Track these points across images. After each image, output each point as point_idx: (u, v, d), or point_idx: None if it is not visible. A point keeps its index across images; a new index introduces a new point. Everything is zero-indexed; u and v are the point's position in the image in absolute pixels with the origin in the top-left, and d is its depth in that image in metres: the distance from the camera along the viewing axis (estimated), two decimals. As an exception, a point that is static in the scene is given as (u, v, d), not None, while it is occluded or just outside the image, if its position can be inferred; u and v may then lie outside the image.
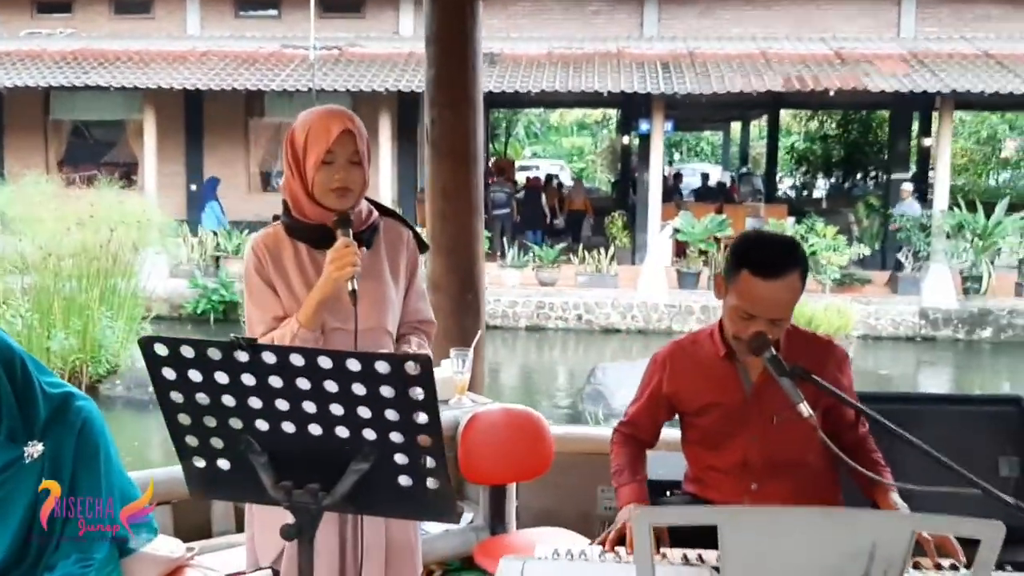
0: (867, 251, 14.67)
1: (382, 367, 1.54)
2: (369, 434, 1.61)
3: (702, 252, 14.15)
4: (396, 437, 1.61)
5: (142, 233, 9.70)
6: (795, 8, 16.58)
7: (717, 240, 14.43)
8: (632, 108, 19.43)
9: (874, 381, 11.65)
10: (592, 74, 14.50)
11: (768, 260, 2.08)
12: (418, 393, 1.55)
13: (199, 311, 13.56)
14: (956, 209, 14.55)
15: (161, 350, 1.62)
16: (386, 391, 1.56)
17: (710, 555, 1.90)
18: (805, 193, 25.53)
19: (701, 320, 13.40)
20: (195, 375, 1.63)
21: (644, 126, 14.74)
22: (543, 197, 17.51)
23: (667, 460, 3.39)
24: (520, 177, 20.68)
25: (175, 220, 12.66)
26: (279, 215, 2.26)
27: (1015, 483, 3.05)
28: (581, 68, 14.47)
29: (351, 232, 2.09)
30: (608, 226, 15.97)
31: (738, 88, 14.14)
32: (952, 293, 13.83)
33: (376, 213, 2.26)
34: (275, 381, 1.60)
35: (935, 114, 18.28)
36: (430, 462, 1.63)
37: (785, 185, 26.57)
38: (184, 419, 1.69)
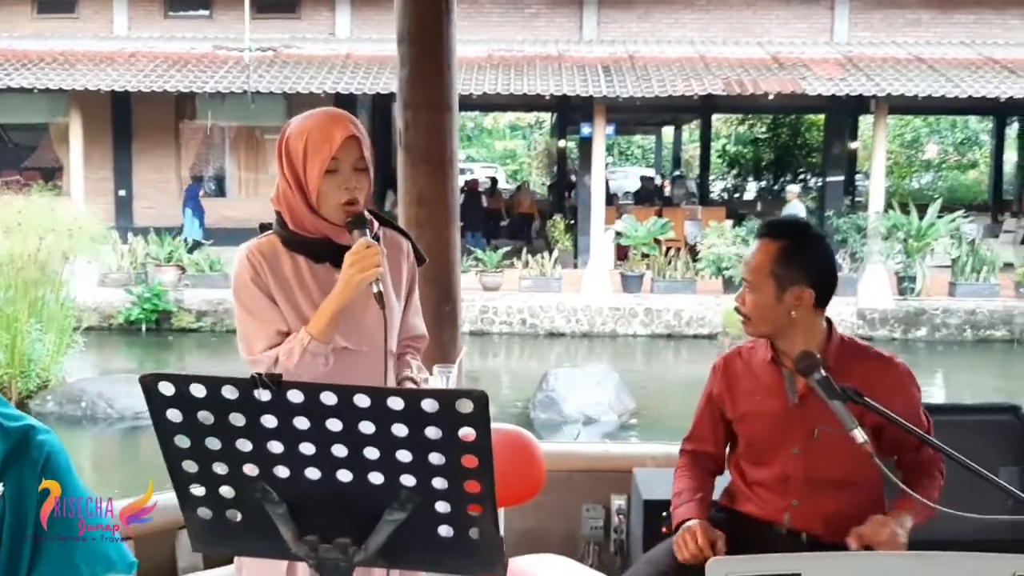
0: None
1: (429, 405, 1.36)
2: (408, 480, 1.42)
3: (644, 255, 14.15)
4: (439, 483, 1.42)
5: (73, 241, 9.28)
6: (732, 13, 16.74)
7: (658, 242, 14.48)
8: (569, 111, 19.42)
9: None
10: (534, 77, 14.41)
11: (767, 225, 2.17)
12: (469, 434, 1.38)
13: (131, 320, 13.08)
14: (890, 211, 14.84)
15: (166, 389, 1.42)
16: (432, 432, 1.38)
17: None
18: (737, 196, 25.87)
19: (645, 323, 13.41)
20: (206, 417, 1.43)
21: (586, 129, 14.70)
22: (483, 200, 17.36)
23: (665, 478, 3.26)
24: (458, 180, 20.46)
25: (105, 227, 12.19)
26: (267, 225, 2.05)
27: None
28: (522, 71, 14.36)
29: (368, 232, 1.91)
30: (550, 230, 15.89)
31: (680, 91, 14.19)
32: (888, 293, 14.07)
33: (377, 224, 2.08)
34: (301, 423, 1.40)
35: (871, 117, 18.70)
36: (475, 510, 1.45)
37: (717, 188, 26.91)
38: (190, 466, 1.48)
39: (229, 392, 1.40)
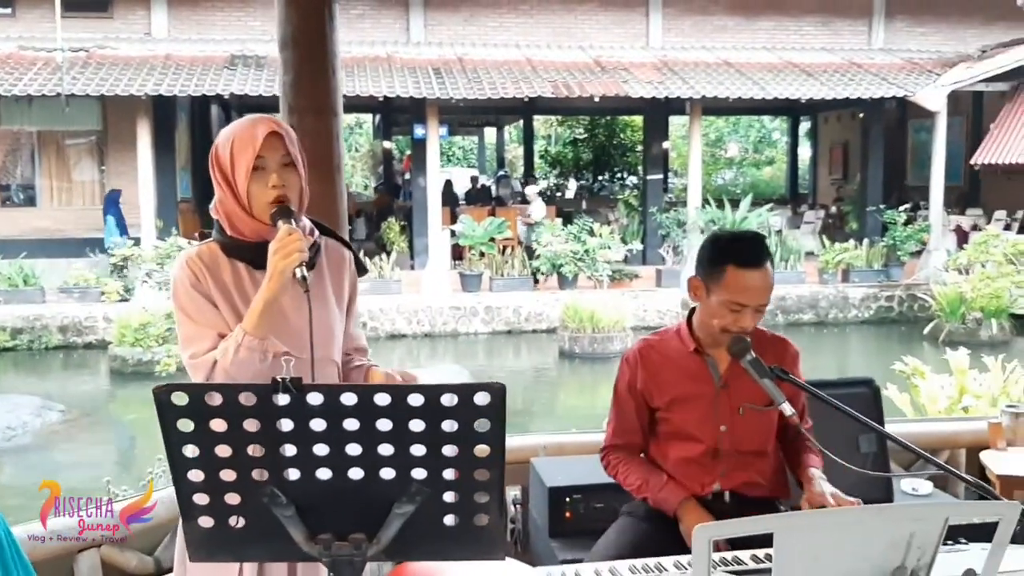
0: (640, 247, 15.55)
1: (448, 400, 1.43)
2: (419, 473, 1.49)
3: (482, 254, 14.37)
4: (449, 474, 1.50)
5: None
6: (554, 18, 17.24)
7: (493, 241, 14.76)
8: (394, 112, 19.41)
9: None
10: (364, 78, 14.32)
11: (750, 252, 2.24)
12: (483, 425, 1.46)
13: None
14: (707, 206, 15.75)
15: (179, 399, 1.42)
16: (447, 425, 1.45)
17: (745, 555, 1.96)
18: (559, 194, 26.66)
19: (486, 321, 13.64)
20: (219, 425, 1.45)
21: (419, 131, 14.76)
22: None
23: (562, 466, 3.41)
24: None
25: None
26: (208, 233, 2.08)
27: (873, 458, 3.35)
28: (352, 72, 14.24)
29: (294, 222, 1.93)
30: (385, 232, 15.85)
31: (511, 93, 14.50)
32: (709, 284, 14.93)
33: (317, 232, 2.11)
34: (317, 424, 1.44)
35: (680, 118, 19.71)
36: (482, 497, 1.53)
37: (540, 187, 27.59)
38: (195, 475, 1.49)
39: (247, 398, 1.43)
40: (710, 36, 17.60)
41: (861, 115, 17.13)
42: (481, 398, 1.43)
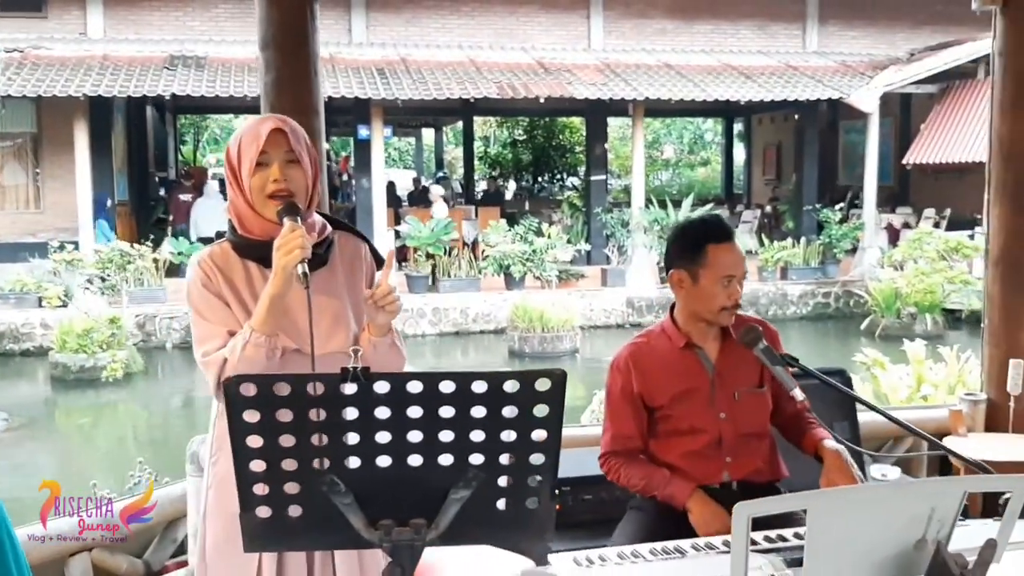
0: (587, 247, 15.71)
1: (511, 386, 1.48)
2: (476, 458, 1.53)
3: (428, 255, 14.36)
4: (505, 459, 1.54)
5: None
6: (496, 19, 17.30)
7: (439, 242, 14.74)
8: (332, 113, 19.24)
9: (598, 368, 12.52)
10: (308, 80, 14.19)
11: (722, 229, 2.43)
12: (542, 410, 1.51)
13: None
14: (650, 206, 15.97)
15: (248, 390, 1.45)
16: (508, 411, 1.50)
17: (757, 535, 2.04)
18: (500, 196, 26.72)
19: (433, 322, 13.64)
20: (284, 415, 1.47)
21: (363, 132, 14.69)
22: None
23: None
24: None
25: None
26: (223, 233, 2.13)
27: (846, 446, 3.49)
28: (295, 73, 14.09)
29: (299, 220, 1.95)
30: (329, 234, 15.68)
31: (456, 94, 14.53)
32: (652, 282, 15.16)
33: (330, 227, 2.14)
34: (382, 412, 1.47)
35: (620, 120, 19.93)
36: (535, 481, 1.58)
37: (480, 188, 27.68)
38: (257, 466, 1.51)
39: (315, 388, 1.46)
40: (650, 39, 17.85)
41: (796, 116, 17.55)
42: (542, 384, 1.49)
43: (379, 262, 2.20)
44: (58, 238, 13.60)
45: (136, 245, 13.09)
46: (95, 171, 13.96)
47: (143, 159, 18.16)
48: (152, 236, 14.06)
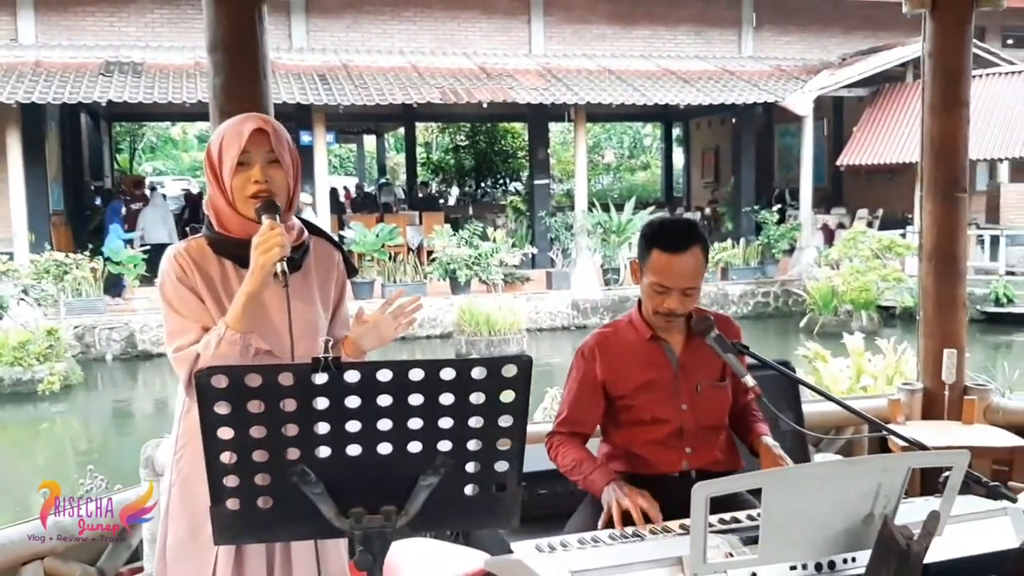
0: (533, 250, 15.78)
1: (478, 373, 1.52)
2: (444, 445, 1.57)
3: (375, 261, 14.30)
4: (473, 445, 1.59)
5: None
6: (437, 25, 17.32)
7: (384, 247, 14.72)
8: (278, 119, 19.04)
9: (546, 370, 12.60)
10: (248, 85, 14.03)
11: (673, 237, 2.36)
12: (508, 396, 1.55)
13: None
14: (593, 210, 16.13)
15: (219, 382, 1.47)
16: (475, 398, 1.54)
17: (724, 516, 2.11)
18: (442, 201, 26.74)
19: (379, 328, 13.56)
20: (256, 406, 1.50)
21: (305, 138, 14.59)
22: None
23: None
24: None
25: None
26: (197, 228, 2.10)
27: (792, 434, 3.60)
28: (235, 79, 13.94)
29: (278, 218, 1.95)
30: (271, 241, 15.53)
31: (399, 99, 14.50)
32: (596, 285, 15.32)
33: (307, 232, 2.13)
34: (352, 401, 1.51)
35: (561, 124, 20.06)
36: (502, 466, 1.62)
37: (423, 194, 27.61)
38: (227, 458, 1.53)
39: (286, 379, 1.48)
40: (590, 44, 18.03)
41: (733, 120, 17.88)
42: (508, 370, 1.53)
43: (351, 271, 2.22)
44: (-9, 248, 13.26)
45: (72, 255, 12.82)
46: (29, 180, 13.63)
47: (78, 167, 17.79)
48: (90, 245, 13.79)
